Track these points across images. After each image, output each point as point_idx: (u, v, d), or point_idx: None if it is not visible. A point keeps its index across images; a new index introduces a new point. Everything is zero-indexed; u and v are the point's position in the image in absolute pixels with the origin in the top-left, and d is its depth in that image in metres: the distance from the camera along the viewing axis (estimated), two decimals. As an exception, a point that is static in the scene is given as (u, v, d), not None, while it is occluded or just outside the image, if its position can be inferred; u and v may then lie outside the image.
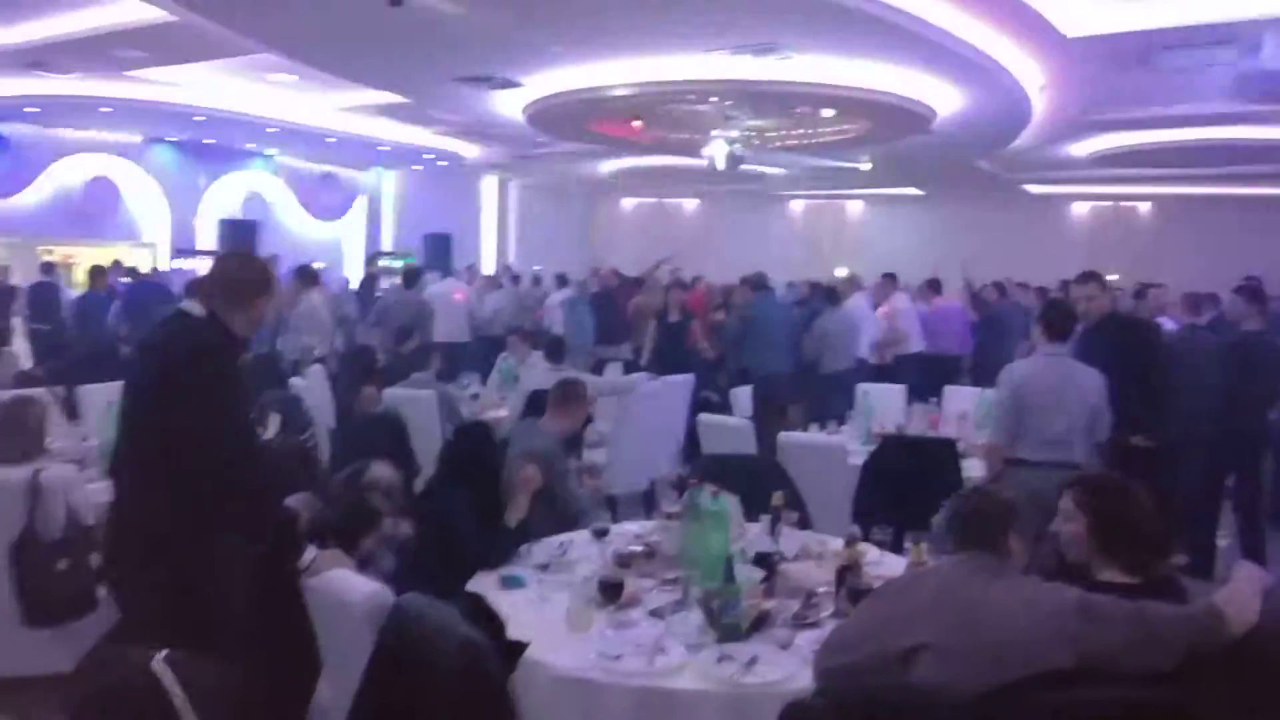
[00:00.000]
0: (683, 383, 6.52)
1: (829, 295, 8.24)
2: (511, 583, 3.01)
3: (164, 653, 1.60)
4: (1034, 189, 16.40)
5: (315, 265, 12.34)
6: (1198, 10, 6.50)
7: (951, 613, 2.04)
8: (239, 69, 9.43)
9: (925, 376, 7.97)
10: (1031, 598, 2.04)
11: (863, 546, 3.21)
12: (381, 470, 3.59)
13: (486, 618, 2.39)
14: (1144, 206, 17.35)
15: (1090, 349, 4.28)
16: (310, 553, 2.52)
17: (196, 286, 2.96)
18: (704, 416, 5.09)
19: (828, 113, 8.68)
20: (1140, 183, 15.24)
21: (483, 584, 3.01)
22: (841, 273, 11.46)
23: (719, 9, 6.12)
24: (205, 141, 13.18)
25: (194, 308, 2.70)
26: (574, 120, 9.44)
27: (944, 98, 8.57)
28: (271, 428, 6.06)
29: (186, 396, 2.53)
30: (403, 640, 2.19)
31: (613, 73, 7.92)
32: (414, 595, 2.32)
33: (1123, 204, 17.41)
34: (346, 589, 2.43)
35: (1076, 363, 4.01)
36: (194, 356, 2.58)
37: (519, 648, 2.30)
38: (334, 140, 12.63)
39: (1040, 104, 8.75)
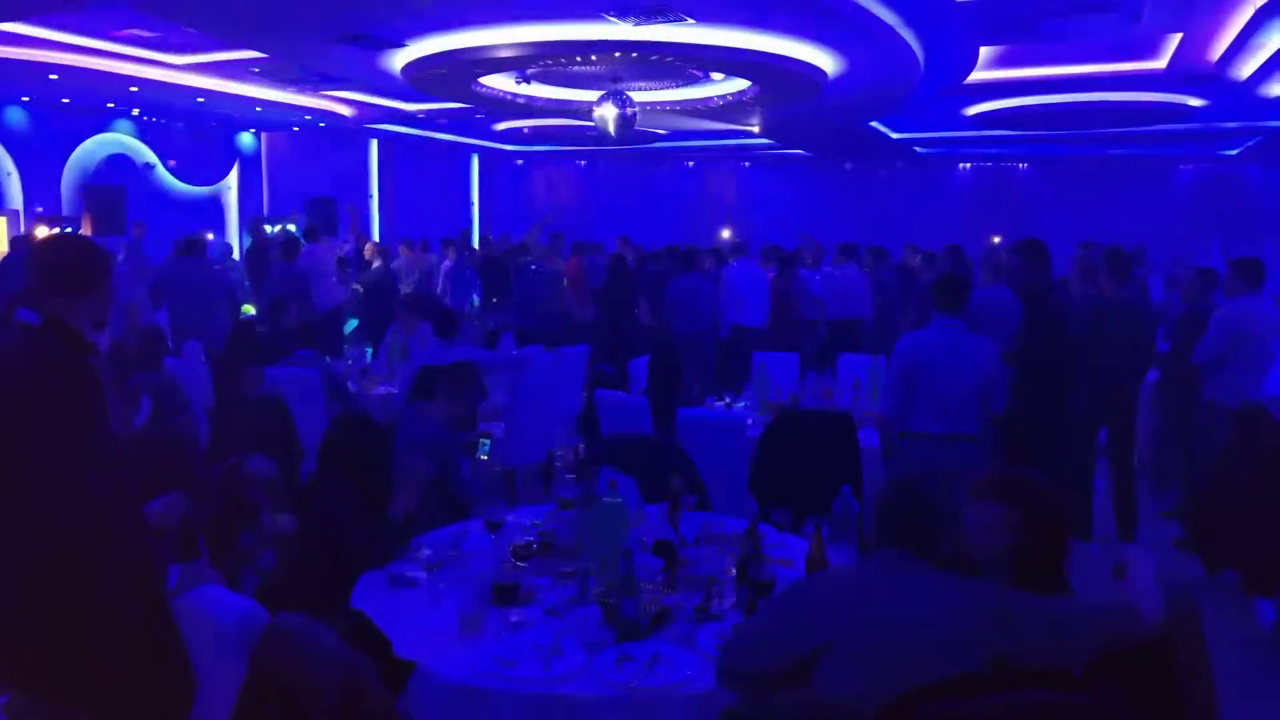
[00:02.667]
0: (577, 355, 6.43)
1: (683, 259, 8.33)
2: (400, 582, 2.87)
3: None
4: (921, 150, 16.80)
5: (201, 235, 11.77)
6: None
7: (864, 611, 1.99)
8: (95, 25, 8.68)
9: (831, 342, 8.14)
10: (949, 598, 1.99)
11: (762, 529, 3.19)
12: (259, 463, 3.40)
13: (369, 637, 2.25)
14: (1023, 166, 18.05)
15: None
16: (174, 575, 2.31)
17: (24, 293, 2.43)
18: (601, 393, 5.00)
19: (718, 76, 8.59)
20: (1020, 145, 15.80)
21: (370, 583, 2.87)
22: (725, 234, 11.50)
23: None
24: (63, 101, 12.16)
25: (28, 316, 2.25)
26: (457, 81, 9.08)
27: (832, 61, 8.60)
28: (141, 413, 5.71)
29: (31, 432, 2.14)
30: (278, 665, 2.04)
31: (496, 34, 7.62)
32: (289, 615, 2.15)
33: (1004, 164, 18.06)
34: (216, 608, 2.25)
35: (969, 333, 4.09)
36: (32, 381, 2.18)
37: (405, 668, 2.17)
38: (203, 100, 11.83)
39: (925, 67, 8.88)
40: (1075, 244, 10.19)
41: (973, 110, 12.35)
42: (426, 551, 2.98)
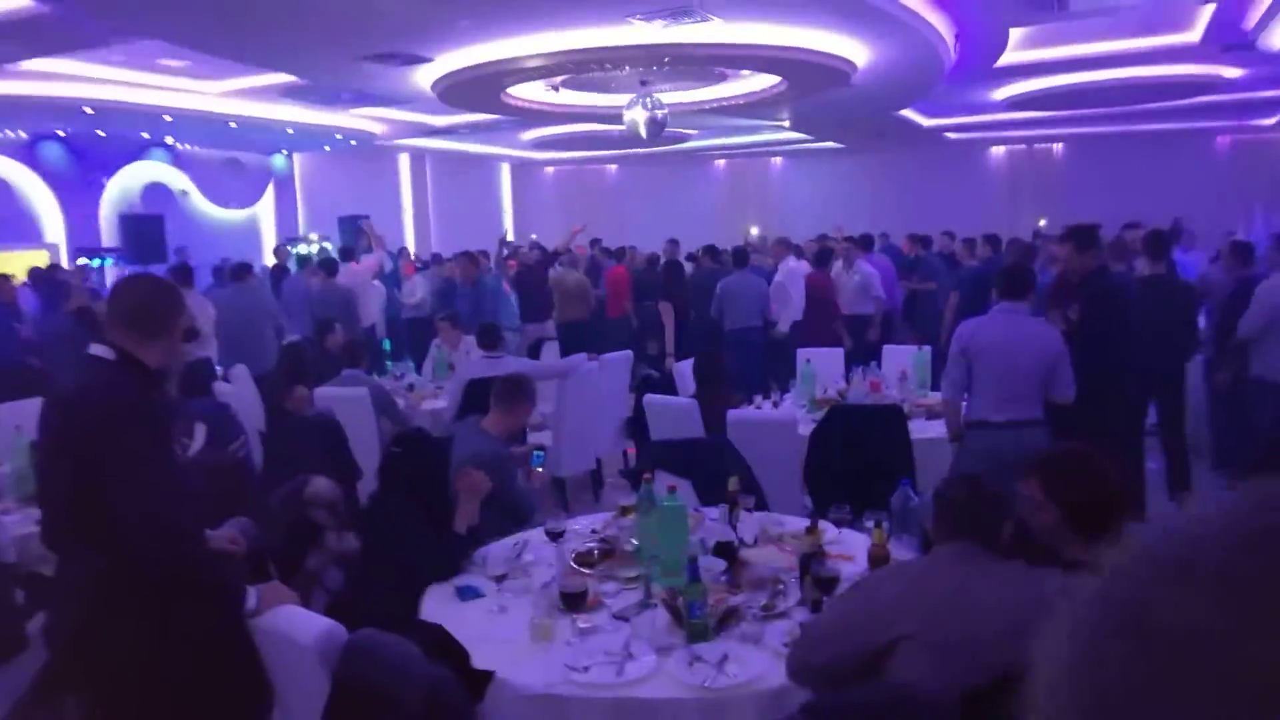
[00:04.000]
0: (621, 360, 6.45)
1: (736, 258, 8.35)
2: (468, 594, 2.91)
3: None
4: (953, 135, 16.61)
5: (246, 261, 11.97)
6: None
7: (936, 602, 1.99)
8: (126, 57, 8.88)
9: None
10: (1018, 586, 1.99)
11: (822, 525, 3.19)
12: (321, 484, 3.44)
13: (448, 650, 2.29)
14: (1057, 147, 17.77)
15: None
16: (252, 596, 2.36)
17: (104, 322, 2.49)
18: (649, 398, 5.01)
19: (745, 73, 8.58)
20: (1053, 125, 15.57)
21: (438, 596, 2.91)
22: (754, 231, 11.52)
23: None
24: (98, 134, 12.44)
25: (103, 351, 2.33)
26: (487, 93, 9.15)
27: (859, 51, 8.54)
28: (197, 440, 5.82)
29: (109, 463, 2.20)
30: (360, 681, 2.08)
31: (525, 44, 7.68)
32: (369, 632, 2.20)
33: (1037, 146, 17.79)
34: (296, 628, 2.29)
35: (1033, 320, 4.04)
36: (109, 414, 2.24)
37: (484, 678, 2.21)
38: (235, 125, 12.04)
39: (954, 52, 8.80)
40: (1114, 222, 10.04)
41: (1003, 93, 12.19)
42: (491, 563, 3.01)
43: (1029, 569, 2.07)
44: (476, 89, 8.89)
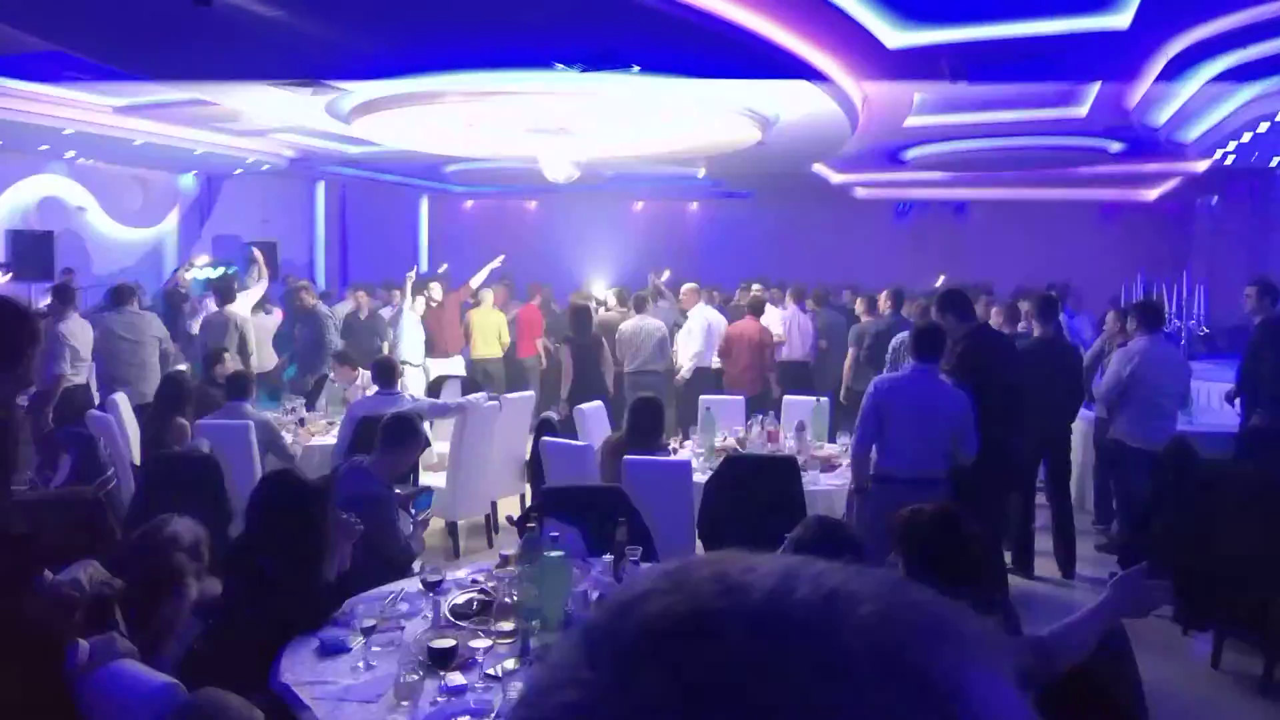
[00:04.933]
0: (523, 401, 6.36)
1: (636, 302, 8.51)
2: (332, 648, 2.76)
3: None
4: (862, 192, 17.16)
5: (131, 283, 11.43)
6: (1009, 28, 6.89)
7: None
8: (26, 66, 8.46)
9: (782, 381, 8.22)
10: None
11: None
12: (182, 525, 3.25)
13: (289, 716, 2.15)
14: (960, 207, 18.52)
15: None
16: (82, 650, 2.18)
17: None
18: (545, 441, 4.93)
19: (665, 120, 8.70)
20: (955, 185, 16.25)
21: (299, 650, 2.75)
22: (665, 275, 11.66)
23: (553, 20, 5.97)
24: (-8, 145, 11.82)
25: None
26: (402, 126, 9.04)
27: (771, 108, 8.76)
28: (61, 471, 5.47)
29: None
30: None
31: (444, 80, 7.62)
32: (209, 694, 2.04)
33: (941, 206, 18.51)
34: (127, 687, 2.12)
35: (944, 382, 4.21)
36: None
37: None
38: (140, 144, 11.59)
39: (863, 114, 9.10)
40: (1009, 281, 10.47)
41: (912, 153, 12.68)
42: (361, 614, 2.87)
43: None
44: (393, 121, 8.77)
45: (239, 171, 14.79)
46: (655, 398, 5.01)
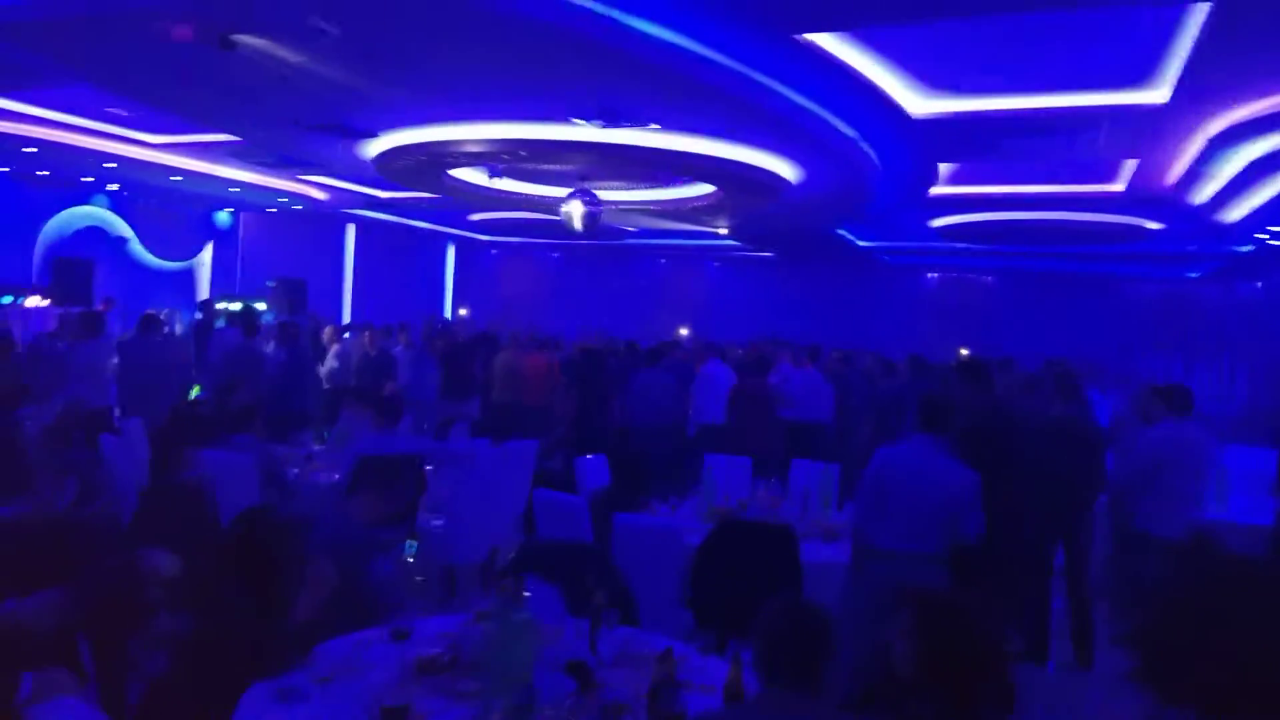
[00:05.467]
0: (524, 449, 6.29)
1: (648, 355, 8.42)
2: (291, 696, 2.67)
3: None
4: (888, 258, 17.11)
5: (162, 310, 11.62)
6: (1038, 99, 6.85)
7: None
8: (74, 100, 8.76)
9: (794, 443, 8.04)
10: None
11: (683, 653, 3.03)
12: (160, 559, 3.19)
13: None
14: (988, 279, 18.42)
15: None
16: (28, 683, 2.12)
17: None
18: (539, 493, 4.85)
19: (682, 179, 8.76)
20: (985, 257, 16.15)
21: (258, 695, 2.67)
22: (683, 332, 11.57)
23: (571, 79, 6.05)
24: (39, 173, 12.20)
25: None
26: (428, 172, 9.18)
27: (792, 170, 8.79)
28: (67, 495, 5.48)
29: None
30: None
31: (468, 130, 7.75)
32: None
33: (968, 275, 18.42)
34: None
35: (949, 459, 3.94)
36: None
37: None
38: (179, 179, 11.89)
39: (885, 180, 9.09)
40: (1035, 356, 10.28)
41: (938, 222, 12.61)
42: (323, 662, 2.79)
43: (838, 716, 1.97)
44: (417, 168, 8.91)
45: (272, 210, 15.12)
46: (643, 454, 4.92)
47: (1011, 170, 9.56)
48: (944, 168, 9.17)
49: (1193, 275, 16.29)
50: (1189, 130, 7.27)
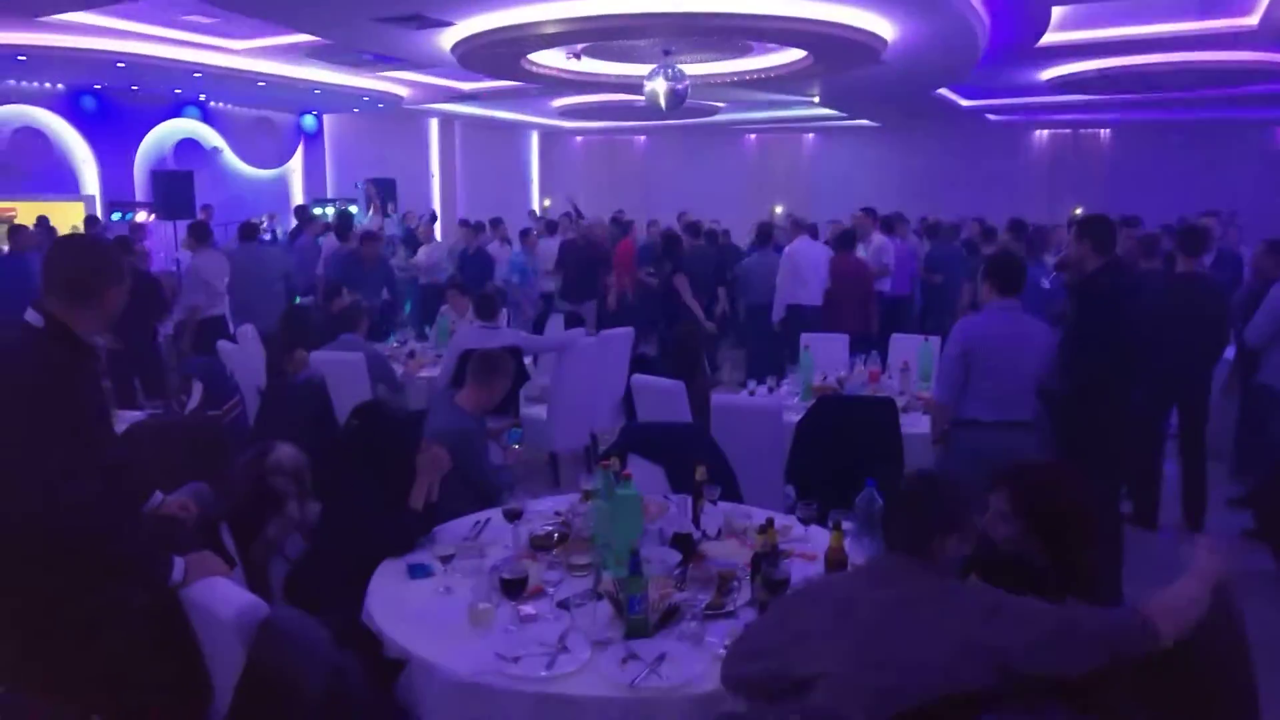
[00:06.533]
0: (621, 337, 6.35)
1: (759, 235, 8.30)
2: (418, 572, 2.86)
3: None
4: (994, 117, 16.14)
5: (262, 217, 12.00)
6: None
7: (851, 638, 1.88)
8: (154, 11, 8.89)
9: (888, 317, 7.86)
10: (944, 611, 1.88)
11: (785, 523, 3.08)
12: (284, 452, 3.39)
13: (362, 638, 2.22)
14: (1104, 133, 17.21)
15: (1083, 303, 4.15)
16: (178, 567, 2.31)
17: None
18: (636, 378, 4.91)
19: (771, 46, 8.35)
20: (1100, 110, 15.05)
21: (388, 572, 2.86)
22: (778, 210, 11.21)
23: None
24: (132, 89, 12.55)
25: (33, 317, 2.24)
26: (507, 59, 9.02)
27: (889, 28, 8.27)
28: (193, 398, 5.85)
29: (24, 438, 2.11)
30: (269, 660, 2.02)
31: (545, 10, 7.53)
32: (284, 611, 2.14)
33: (1083, 131, 17.25)
34: (217, 602, 2.24)
35: (1029, 317, 3.89)
36: (18, 386, 2.14)
37: (395, 668, 2.14)
38: (264, 85, 12.04)
39: (991, 31, 8.48)
40: (1156, 215, 9.64)
41: (1049, 74, 11.77)
42: (440, 543, 2.95)
43: (956, 590, 1.95)
44: (496, 54, 8.76)
45: (356, 110, 15.21)
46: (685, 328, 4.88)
47: (1130, 9, 8.79)
48: (1057, 12, 8.47)
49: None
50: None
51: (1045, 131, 17.55)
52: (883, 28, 8.24)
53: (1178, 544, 5.10)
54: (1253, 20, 8.92)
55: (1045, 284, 6.31)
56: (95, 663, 2.21)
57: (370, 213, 9.60)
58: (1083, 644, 1.80)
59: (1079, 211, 14.07)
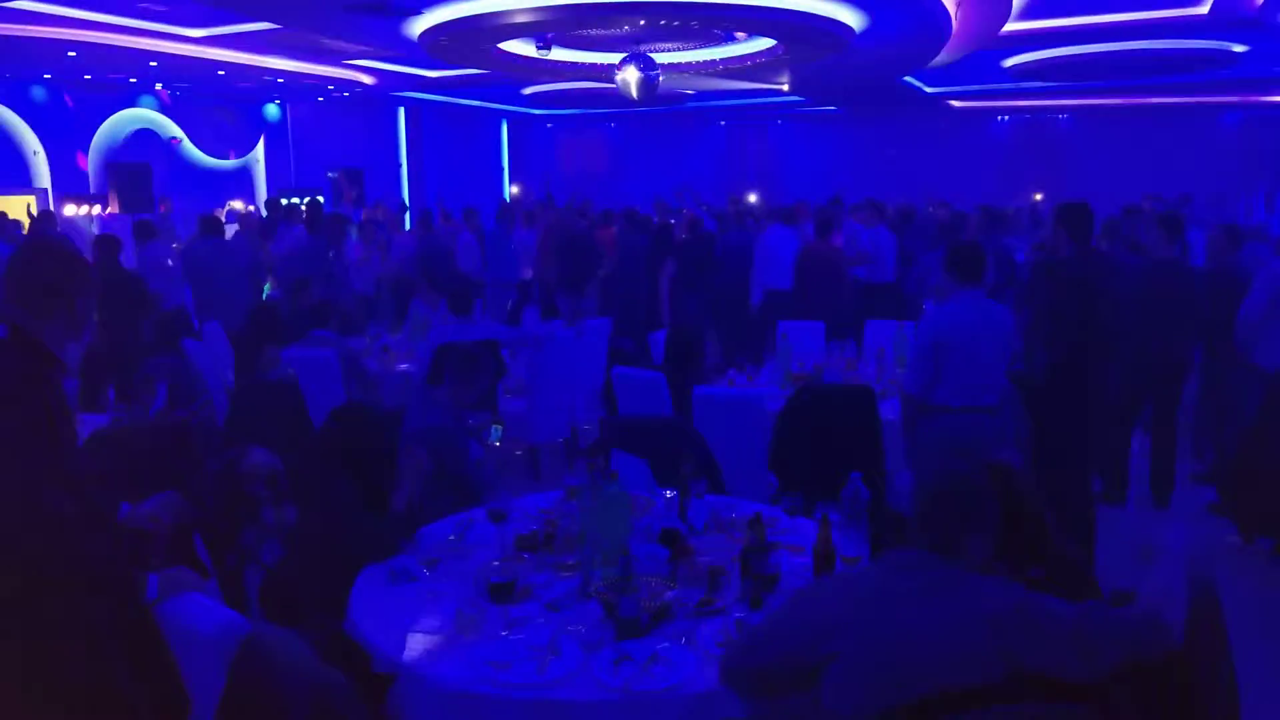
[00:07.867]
0: (599, 328, 6.32)
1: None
2: (401, 577, 2.80)
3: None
4: (957, 104, 16.29)
5: (226, 206, 11.73)
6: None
7: (870, 623, 1.88)
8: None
9: (865, 304, 7.86)
10: (963, 604, 1.87)
11: (771, 515, 3.07)
12: (259, 456, 3.31)
13: (347, 651, 2.17)
14: (1062, 119, 17.43)
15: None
16: (152, 584, 2.24)
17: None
18: (617, 370, 4.87)
19: (741, 35, 8.32)
20: (1059, 95, 15.25)
21: (370, 578, 2.81)
22: (751, 199, 11.17)
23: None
24: (85, 78, 12.20)
25: None
26: (476, 47, 8.89)
27: (857, 18, 8.27)
28: (158, 401, 5.69)
29: None
30: (253, 678, 1.97)
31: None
32: (268, 627, 2.09)
33: (1042, 117, 17.45)
34: (194, 618, 2.18)
35: (992, 303, 3.92)
36: None
37: (384, 683, 2.10)
38: (224, 73, 11.77)
39: (956, 20, 8.52)
40: (1112, 199, 9.78)
41: (1011, 61, 11.91)
42: (425, 547, 2.90)
43: (982, 582, 1.95)
44: (465, 43, 8.64)
45: (320, 100, 14.94)
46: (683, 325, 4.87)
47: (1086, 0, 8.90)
48: (1017, 1, 8.54)
49: (1277, 99, 15.19)
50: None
51: (1006, 117, 17.74)
52: (850, 17, 8.24)
53: (1147, 522, 5.23)
54: (1203, 10, 9.09)
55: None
56: (61, 683, 2.13)
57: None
58: (1103, 649, 1.80)
59: (1039, 198, 14.23)
